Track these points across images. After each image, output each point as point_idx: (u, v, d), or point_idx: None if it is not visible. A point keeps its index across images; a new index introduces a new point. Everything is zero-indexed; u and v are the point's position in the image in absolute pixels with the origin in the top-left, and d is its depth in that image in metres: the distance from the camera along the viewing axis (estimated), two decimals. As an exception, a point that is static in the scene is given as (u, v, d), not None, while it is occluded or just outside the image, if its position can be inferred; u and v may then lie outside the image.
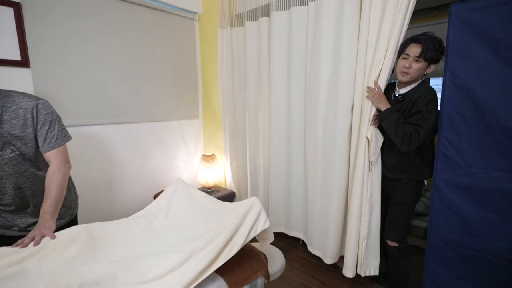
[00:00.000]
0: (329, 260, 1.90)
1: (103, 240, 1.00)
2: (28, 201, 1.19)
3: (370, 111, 1.55)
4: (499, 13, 1.21)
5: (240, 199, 2.66)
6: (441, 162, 1.37)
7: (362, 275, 1.70)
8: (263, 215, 1.03)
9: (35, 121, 1.09)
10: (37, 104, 1.09)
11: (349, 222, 1.71)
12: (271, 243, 1.44)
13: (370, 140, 1.54)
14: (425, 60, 1.38)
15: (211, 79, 2.72)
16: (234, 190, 2.70)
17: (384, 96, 1.49)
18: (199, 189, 2.68)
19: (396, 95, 1.51)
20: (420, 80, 1.48)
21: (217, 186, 2.78)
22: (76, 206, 1.39)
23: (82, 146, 2.03)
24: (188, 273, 0.82)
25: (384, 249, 1.67)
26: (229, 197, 2.64)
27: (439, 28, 2.61)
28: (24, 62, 1.73)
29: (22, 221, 1.20)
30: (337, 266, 1.97)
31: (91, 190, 2.10)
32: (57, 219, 1.14)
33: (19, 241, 0.93)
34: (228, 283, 0.91)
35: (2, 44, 1.65)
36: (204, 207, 1.22)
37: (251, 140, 2.42)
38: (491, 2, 1.22)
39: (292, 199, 2.19)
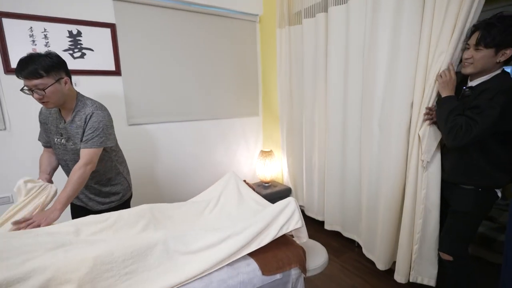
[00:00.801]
0: (381, 265, 1.80)
1: (164, 217, 1.22)
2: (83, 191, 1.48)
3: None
4: None
5: (296, 195, 2.71)
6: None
7: (410, 280, 1.59)
8: (296, 215, 1.08)
9: (86, 125, 1.33)
10: (93, 113, 1.33)
11: (402, 224, 1.61)
12: (318, 235, 1.46)
13: (422, 137, 1.41)
14: (487, 46, 1.17)
15: (270, 78, 2.82)
16: (290, 185, 2.75)
17: (455, 82, 1.31)
18: (257, 183, 2.85)
19: (464, 89, 1.32)
20: (498, 71, 1.23)
21: (274, 181, 2.89)
22: (127, 194, 1.63)
23: (158, 140, 2.39)
24: (222, 251, 0.95)
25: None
26: (285, 192, 2.71)
27: None
28: (117, 72, 2.15)
29: (82, 196, 1.50)
30: (393, 273, 1.84)
31: (165, 177, 2.47)
32: (112, 201, 1.52)
33: (21, 219, 1.13)
34: (261, 268, 1.00)
35: (103, 58, 2.08)
36: (248, 204, 1.35)
37: (307, 137, 2.43)
38: None
39: (346, 199, 2.13)
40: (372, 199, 1.84)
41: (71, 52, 1.97)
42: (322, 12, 2.10)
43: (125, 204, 1.63)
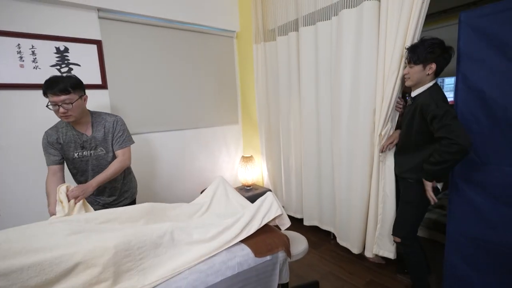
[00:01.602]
0: (356, 250, 2.08)
1: (163, 215, 1.38)
2: (105, 186, 1.67)
3: (387, 112, 1.73)
4: (507, 19, 1.29)
5: (276, 196, 2.92)
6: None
7: (373, 252, 1.94)
8: (275, 205, 1.30)
9: (115, 130, 1.62)
10: (117, 119, 1.65)
11: (369, 208, 1.95)
12: (298, 231, 1.70)
13: (384, 136, 1.73)
14: (416, 63, 1.45)
15: (248, 89, 3.04)
16: (270, 187, 2.97)
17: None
18: (239, 187, 3.02)
19: (407, 98, 1.64)
20: (430, 83, 1.49)
21: (255, 184, 3.08)
22: (136, 192, 1.90)
23: (144, 149, 2.50)
24: (218, 241, 1.16)
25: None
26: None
27: (449, 30, 2.52)
28: (103, 85, 2.24)
29: (102, 199, 1.72)
30: (364, 258, 2.10)
31: (150, 184, 2.56)
32: (124, 198, 1.78)
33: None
34: (253, 251, 1.18)
35: (90, 72, 2.17)
36: (234, 205, 1.57)
37: (284, 143, 2.67)
38: (498, 8, 1.31)
39: (322, 195, 2.38)
40: (344, 192, 2.11)
41: (58, 67, 2.05)
42: (293, 31, 2.38)
43: (132, 203, 1.84)
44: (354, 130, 1.97)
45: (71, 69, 2.09)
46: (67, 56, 2.07)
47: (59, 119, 1.53)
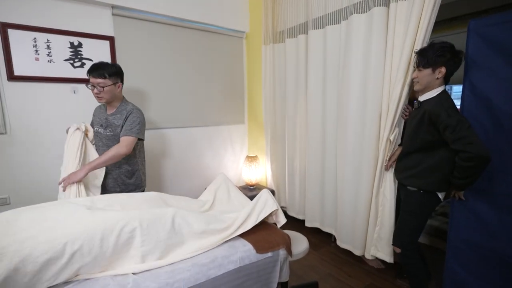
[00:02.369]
0: (358, 251, 2.09)
1: (167, 205, 1.42)
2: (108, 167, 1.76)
3: (394, 117, 1.74)
4: (515, 28, 1.29)
5: (279, 197, 2.94)
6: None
7: (371, 254, 1.97)
8: (270, 201, 1.34)
9: (126, 118, 1.71)
10: (133, 110, 1.74)
11: (370, 211, 1.97)
12: (300, 232, 1.72)
13: (392, 141, 1.74)
14: (425, 67, 1.42)
15: (255, 90, 3.07)
16: (274, 188, 2.99)
17: None
18: (242, 186, 3.05)
19: (414, 102, 1.62)
20: (439, 89, 1.44)
21: (258, 184, 3.11)
22: (144, 185, 1.93)
23: (151, 145, 2.54)
24: (220, 236, 1.22)
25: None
26: (269, 194, 2.94)
27: (459, 38, 2.51)
28: (115, 81, 2.29)
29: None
30: (364, 262, 2.11)
31: (155, 179, 2.61)
32: (131, 190, 1.81)
33: (60, 180, 1.55)
34: (255, 248, 1.21)
35: (101, 68, 2.22)
36: (235, 204, 1.62)
37: (289, 144, 2.69)
38: (507, 17, 1.32)
39: (325, 198, 2.39)
40: (347, 195, 2.11)
41: (71, 61, 2.10)
42: (303, 34, 2.40)
43: None
44: (361, 134, 1.98)
45: (84, 63, 2.15)
46: (81, 51, 2.13)
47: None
